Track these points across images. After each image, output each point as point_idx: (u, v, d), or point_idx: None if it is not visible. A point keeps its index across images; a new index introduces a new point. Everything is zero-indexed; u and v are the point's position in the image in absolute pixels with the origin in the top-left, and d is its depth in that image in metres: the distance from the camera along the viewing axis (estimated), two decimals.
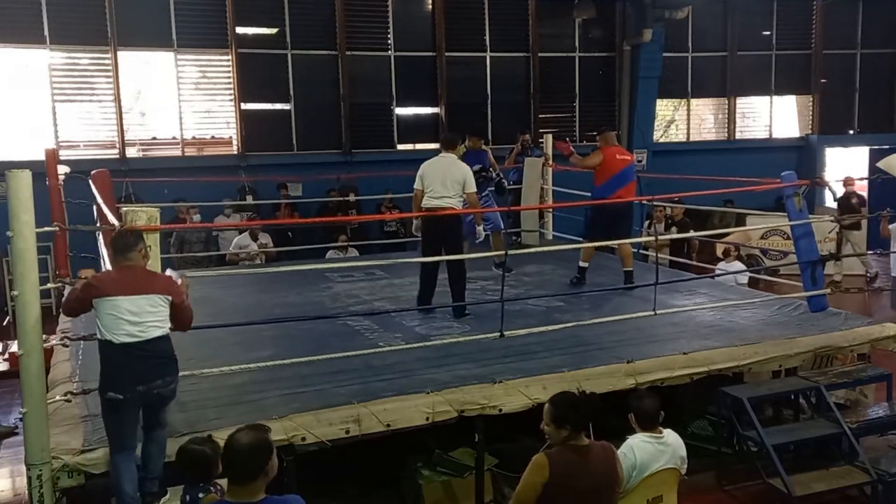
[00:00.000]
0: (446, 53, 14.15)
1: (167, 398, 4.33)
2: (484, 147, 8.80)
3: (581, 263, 8.12)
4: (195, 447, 3.93)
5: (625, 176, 7.89)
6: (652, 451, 4.15)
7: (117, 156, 12.42)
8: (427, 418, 5.07)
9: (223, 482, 3.57)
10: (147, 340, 4.17)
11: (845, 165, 16.58)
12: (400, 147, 14.03)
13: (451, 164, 7.09)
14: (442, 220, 6.96)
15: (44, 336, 4.41)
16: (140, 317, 4.15)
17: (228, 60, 12.94)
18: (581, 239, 9.21)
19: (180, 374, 4.97)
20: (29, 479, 4.24)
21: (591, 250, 8.11)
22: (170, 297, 4.28)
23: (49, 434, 4.29)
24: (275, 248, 11.27)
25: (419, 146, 14.29)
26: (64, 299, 4.71)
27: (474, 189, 7.11)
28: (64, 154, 11.37)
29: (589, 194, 8.21)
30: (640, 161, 14.88)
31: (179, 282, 4.58)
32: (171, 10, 12.50)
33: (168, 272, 4.69)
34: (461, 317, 6.98)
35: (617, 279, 8.24)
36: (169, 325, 4.30)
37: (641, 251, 9.94)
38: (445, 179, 7.00)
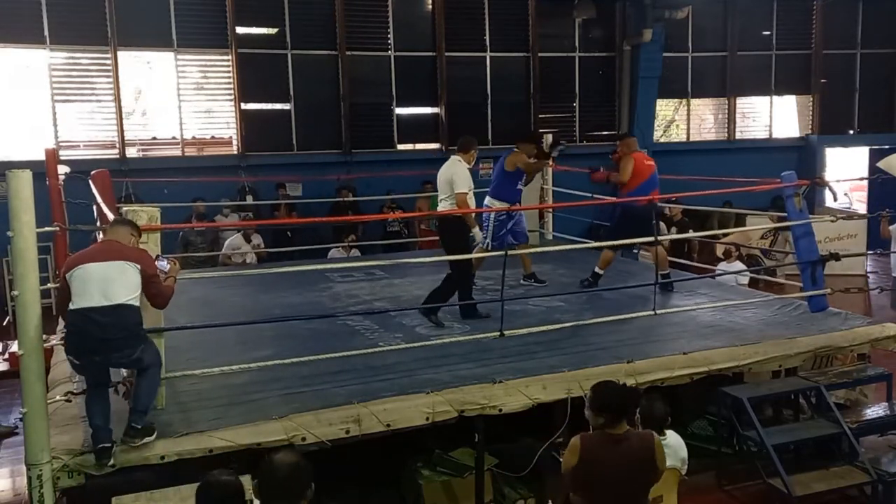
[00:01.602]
0: (446, 53, 14.12)
1: (131, 367, 4.33)
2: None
3: (598, 269, 7.97)
4: (226, 479, 3.23)
5: (653, 181, 7.87)
6: None
7: (117, 156, 12.40)
8: (427, 418, 5.07)
9: None
10: (112, 306, 4.15)
11: (845, 165, 16.61)
12: (400, 147, 13.99)
13: (448, 166, 7.06)
14: (437, 223, 6.94)
15: (44, 336, 4.40)
16: (107, 282, 4.18)
17: (228, 60, 12.93)
18: (582, 240, 9.23)
19: (180, 373, 5.02)
20: (29, 479, 4.24)
21: (610, 256, 7.97)
22: (139, 266, 4.28)
23: (49, 434, 4.28)
24: (265, 249, 11.26)
25: (419, 146, 14.29)
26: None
27: (462, 189, 6.83)
28: (64, 154, 11.36)
29: (589, 195, 8.19)
30: None
31: (168, 268, 4.59)
32: (171, 10, 12.48)
33: (157, 260, 4.65)
34: (467, 318, 6.90)
35: (618, 279, 8.24)
36: (138, 294, 4.28)
37: (643, 251, 9.92)
38: (440, 181, 7.07)
